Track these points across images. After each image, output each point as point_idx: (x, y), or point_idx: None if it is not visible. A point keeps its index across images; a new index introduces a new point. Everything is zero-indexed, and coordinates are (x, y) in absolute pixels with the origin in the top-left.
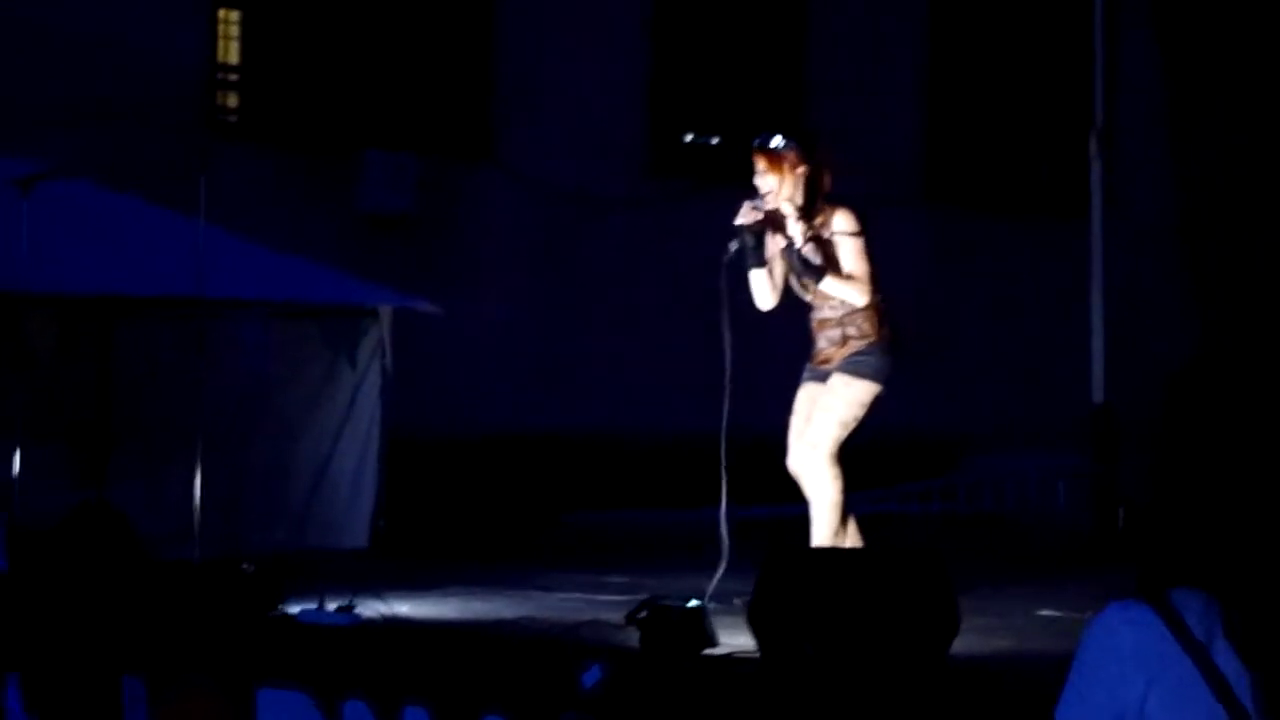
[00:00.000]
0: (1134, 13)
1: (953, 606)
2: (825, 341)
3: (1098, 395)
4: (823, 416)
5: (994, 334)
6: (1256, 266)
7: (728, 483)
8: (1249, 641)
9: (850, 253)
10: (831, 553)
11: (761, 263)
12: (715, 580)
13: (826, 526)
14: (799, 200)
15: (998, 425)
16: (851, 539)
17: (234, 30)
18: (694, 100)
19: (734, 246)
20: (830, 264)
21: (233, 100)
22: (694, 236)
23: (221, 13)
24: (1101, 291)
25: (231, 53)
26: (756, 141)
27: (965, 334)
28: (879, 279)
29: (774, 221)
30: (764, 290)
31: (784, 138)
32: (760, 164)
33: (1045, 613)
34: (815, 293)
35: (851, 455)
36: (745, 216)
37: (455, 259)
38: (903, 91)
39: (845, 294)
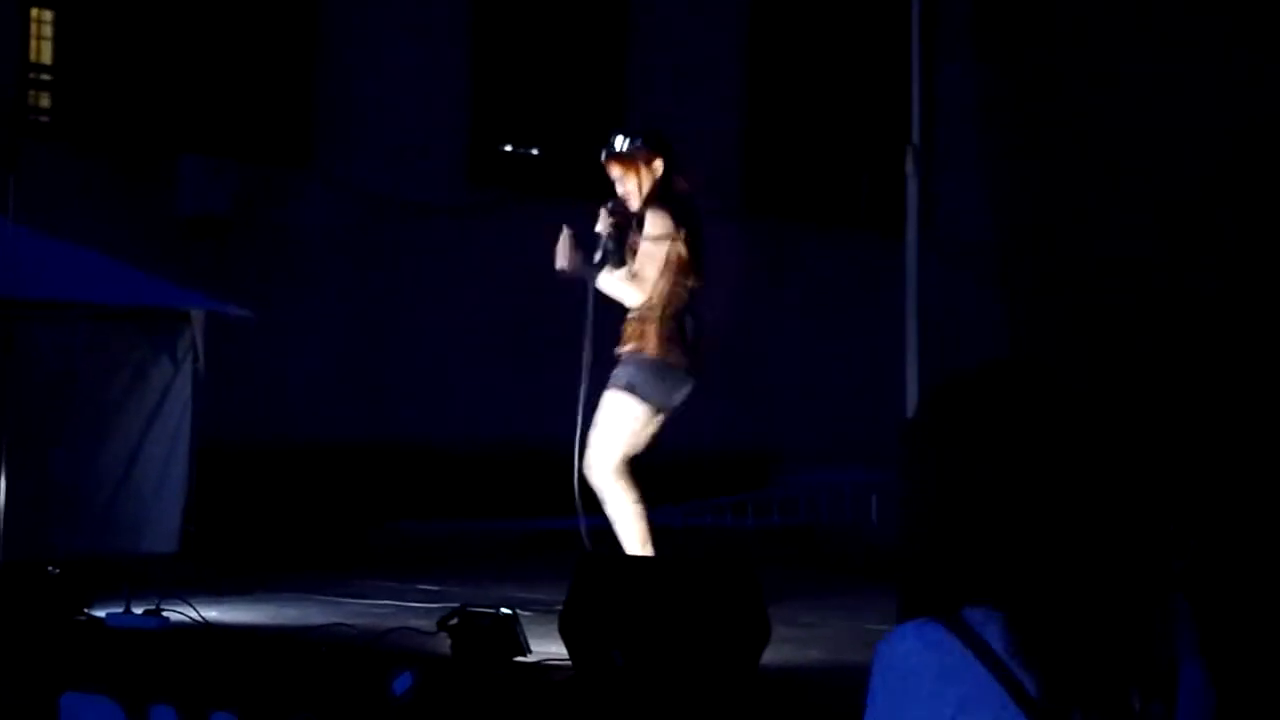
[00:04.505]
0: (954, 32)
1: (763, 615)
2: (621, 340)
3: (910, 412)
4: (597, 433)
5: (810, 348)
6: (1069, 286)
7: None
8: (1040, 659)
9: (643, 252)
10: (641, 561)
11: (623, 262)
12: None
13: (632, 536)
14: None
15: (813, 439)
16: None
17: (47, 30)
18: (515, 109)
19: (598, 255)
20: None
21: (45, 100)
22: (514, 246)
23: (34, 11)
24: (916, 308)
25: (44, 52)
26: (603, 153)
27: (781, 347)
28: (689, 299)
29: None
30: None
31: (626, 137)
32: (614, 170)
33: (859, 625)
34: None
35: (665, 469)
36: (603, 224)
37: (273, 265)
38: (723, 103)
39: (622, 290)
